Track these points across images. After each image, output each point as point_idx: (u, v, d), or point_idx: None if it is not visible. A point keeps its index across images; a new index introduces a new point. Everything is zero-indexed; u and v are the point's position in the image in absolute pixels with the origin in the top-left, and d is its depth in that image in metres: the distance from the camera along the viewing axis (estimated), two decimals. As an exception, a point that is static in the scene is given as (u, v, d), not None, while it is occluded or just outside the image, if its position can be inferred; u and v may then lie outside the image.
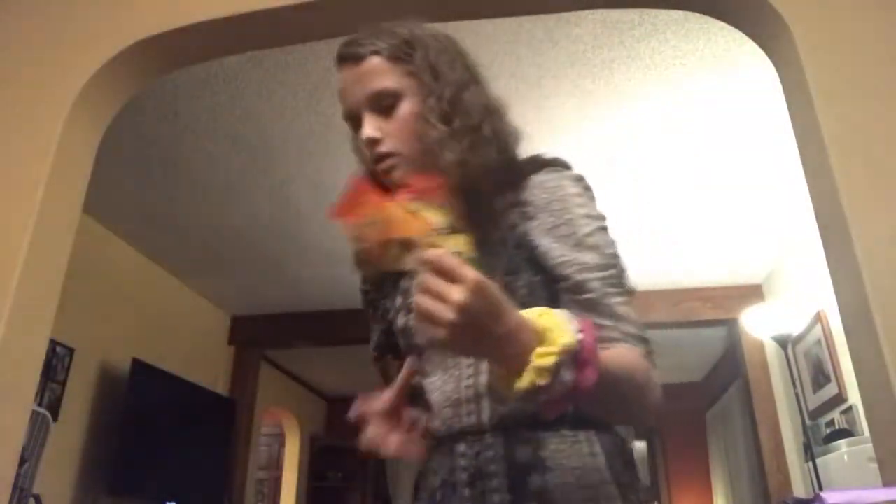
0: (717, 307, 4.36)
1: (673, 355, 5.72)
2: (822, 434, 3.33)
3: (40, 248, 1.68)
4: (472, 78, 0.97)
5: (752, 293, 4.27)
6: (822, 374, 3.41)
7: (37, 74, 1.87)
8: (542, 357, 0.62)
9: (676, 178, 3.19)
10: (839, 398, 3.21)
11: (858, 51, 1.47)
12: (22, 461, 2.17)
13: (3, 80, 1.88)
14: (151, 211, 3.53)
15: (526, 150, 1.06)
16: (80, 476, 3.39)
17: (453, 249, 0.69)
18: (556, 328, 0.64)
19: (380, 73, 0.92)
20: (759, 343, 4.21)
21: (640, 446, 6.77)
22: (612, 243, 0.92)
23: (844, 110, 1.42)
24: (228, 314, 4.92)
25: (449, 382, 0.88)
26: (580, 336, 0.64)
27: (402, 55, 0.93)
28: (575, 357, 0.63)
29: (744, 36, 1.73)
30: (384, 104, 0.91)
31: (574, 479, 0.77)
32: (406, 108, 0.91)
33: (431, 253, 0.62)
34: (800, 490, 3.78)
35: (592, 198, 0.95)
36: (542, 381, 0.62)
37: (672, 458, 6.39)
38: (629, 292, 0.88)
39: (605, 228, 0.94)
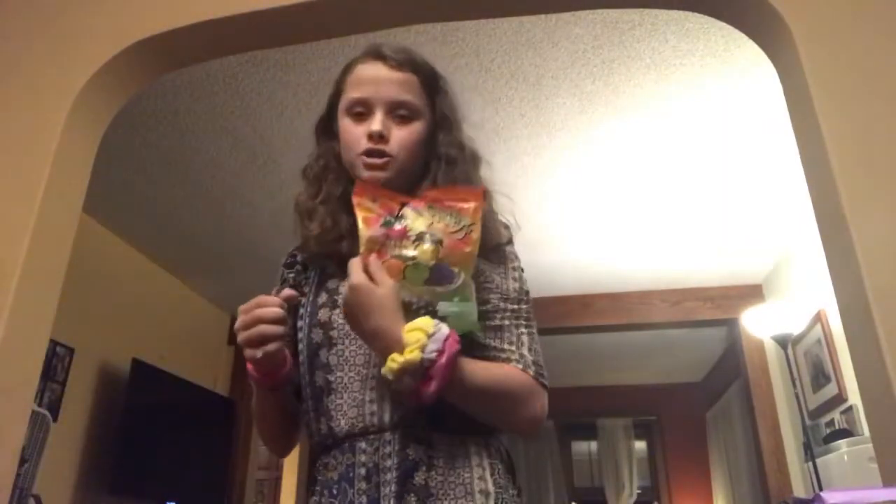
0: (717, 307, 4.36)
1: (673, 355, 5.72)
2: (822, 434, 3.33)
3: (40, 248, 1.68)
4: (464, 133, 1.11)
5: (752, 293, 4.27)
6: (822, 374, 3.41)
7: (37, 74, 1.87)
8: (391, 362, 0.82)
9: (676, 178, 3.19)
10: (839, 398, 3.21)
11: (858, 51, 1.47)
12: (22, 461, 2.17)
13: (3, 80, 1.88)
14: (151, 211, 3.53)
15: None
16: (80, 476, 3.39)
17: (411, 255, 0.87)
18: (412, 344, 0.81)
19: (412, 88, 1.03)
20: (759, 343, 4.21)
21: (640, 446, 6.78)
22: (526, 285, 1.07)
23: (844, 110, 1.42)
24: (228, 314, 4.91)
25: (355, 381, 0.95)
26: (432, 355, 0.81)
27: (432, 87, 1.07)
28: (424, 369, 0.81)
29: (744, 36, 1.73)
30: (402, 114, 1.02)
31: (454, 477, 0.89)
32: (419, 127, 1.03)
33: (364, 256, 0.89)
34: (800, 490, 3.78)
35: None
36: (390, 377, 0.82)
37: (672, 458, 6.39)
38: (533, 327, 1.02)
39: (523, 270, 1.09)
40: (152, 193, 3.36)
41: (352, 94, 1.04)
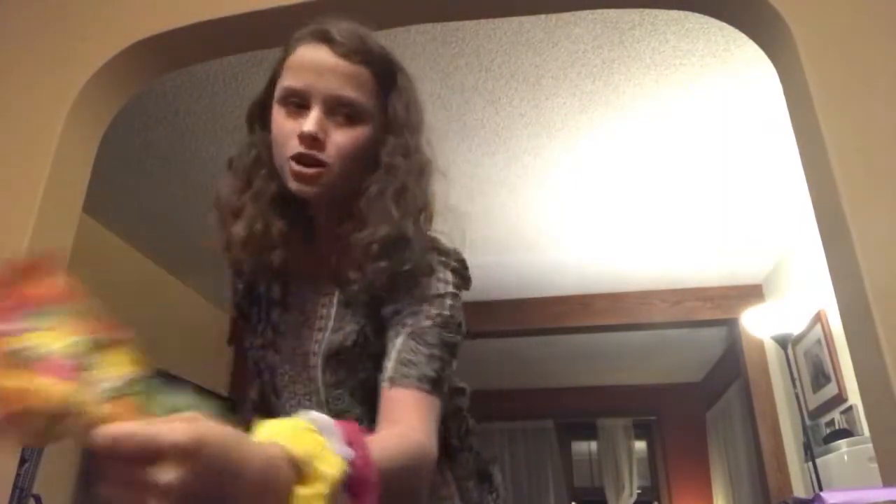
0: (717, 307, 4.36)
1: (673, 355, 5.72)
2: (822, 434, 3.33)
3: (40, 248, 1.68)
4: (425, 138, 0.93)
5: (752, 293, 4.27)
6: (822, 374, 3.41)
7: (37, 75, 1.87)
8: (308, 500, 0.47)
9: (676, 178, 3.19)
10: (839, 398, 3.21)
11: (858, 51, 1.47)
12: (22, 461, 2.17)
13: (3, 80, 1.88)
14: (151, 211, 3.53)
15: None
16: (80, 476, 3.39)
17: (116, 375, 0.53)
18: (320, 455, 0.50)
19: (362, 83, 0.85)
20: (759, 343, 4.21)
21: (640, 446, 6.78)
22: (455, 307, 0.86)
23: (844, 110, 1.42)
24: (228, 314, 4.91)
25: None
26: (350, 456, 0.52)
27: (386, 82, 0.89)
28: (348, 483, 0.51)
29: (744, 36, 1.73)
30: (345, 113, 0.84)
31: None
32: (363, 132, 0.84)
33: (104, 433, 0.41)
34: (800, 490, 3.78)
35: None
36: None
37: (672, 458, 6.39)
38: (455, 340, 0.83)
39: (454, 295, 0.87)
40: (152, 193, 3.36)
41: (287, 81, 0.85)
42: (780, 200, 3.35)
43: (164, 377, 3.81)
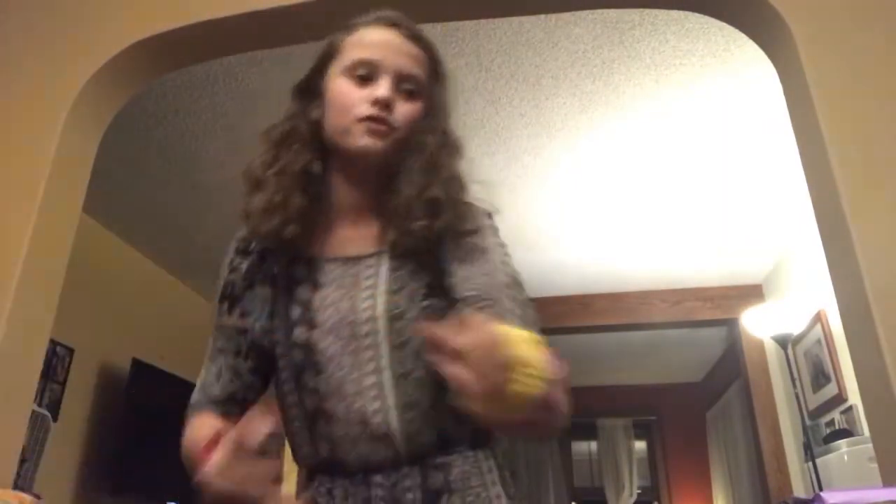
0: (717, 307, 4.36)
1: (673, 355, 5.72)
2: (822, 434, 3.33)
3: (40, 248, 1.68)
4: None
5: (752, 293, 4.27)
6: (822, 374, 3.41)
7: (37, 75, 1.87)
8: (528, 378, 0.62)
9: (676, 178, 3.19)
10: (839, 398, 3.21)
11: (858, 51, 1.47)
12: (22, 461, 2.17)
13: (4, 80, 1.88)
14: (151, 211, 3.53)
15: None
16: (80, 476, 3.39)
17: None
18: (535, 359, 0.64)
19: (422, 65, 0.95)
20: (759, 343, 4.21)
21: (640, 446, 6.78)
22: (514, 268, 0.94)
23: (844, 110, 1.42)
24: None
25: (354, 413, 0.84)
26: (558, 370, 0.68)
27: (435, 69, 0.99)
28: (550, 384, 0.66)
29: (744, 36, 1.73)
30: (407, 89, 0.92)
31: (474, 497, 0.83)
32: (420, 107, 0.93)
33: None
34: (800, 490, 3.78)
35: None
36: (534, 394, 0.63)
37: (672, 458, 6.39)
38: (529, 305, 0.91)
39: (509, 255, 0.96)
40: (152, 193, 3.36)
41: (357, 54, 0.92)
42: (780, 200, 3.35)
43: (163, 377, 3.81)
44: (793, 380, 3.42)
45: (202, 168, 3.14)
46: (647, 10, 2.22)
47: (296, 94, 1.04)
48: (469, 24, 2.29)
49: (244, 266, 1.01)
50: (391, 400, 0.83)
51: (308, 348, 0.88)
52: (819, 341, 3.39)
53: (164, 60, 1.94)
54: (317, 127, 0.96)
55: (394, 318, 0.86)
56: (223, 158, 3.06)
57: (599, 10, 2.22)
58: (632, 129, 2.84)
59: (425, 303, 0.87)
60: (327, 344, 0.87)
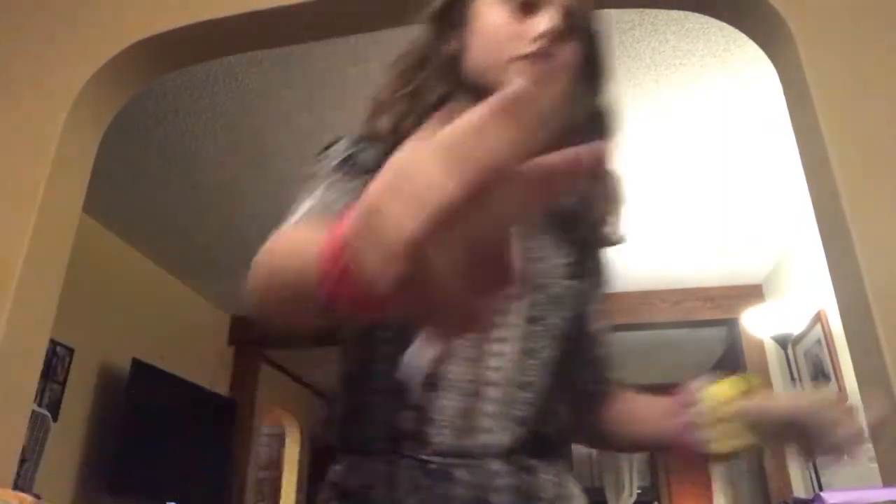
0: (717, 307, 4.36)
1: (673, 355, 5.71)
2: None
3: (40, 248, 1.68)
4: None
5: (752, 293, 4.27)
6: (822, 374, 3.41)
7: (37, 74, 1.87)
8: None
9: (676, 178, 3.19)
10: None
11: (858, 51, 1.47)
12: (22, 461, 2.17)
13: (4, 80, 1.88)
14: (151, 211, 3.53)
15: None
16: (80, 476, 3.39)
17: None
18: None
19: (590, 6, 0.84)
20: (759, 343, 4.21)
21: (640, 446, 6.77)
22: None
23: (844, 110, 1.42)
24: (228, 314, 4.91)
25: (465, 381, 0.70)
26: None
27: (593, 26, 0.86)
28: None
29: (744, 36, 1.73)
30: (574, 29, 0.78)
31: None
32: (581, 58, 0.79)
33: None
34: (800, 490, 3.78)
35: None
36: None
37: (672, 457, 6.39)
38: None
39: None
40: (152, 193, 3.36)
41: None
42: (780, 200, 3.35)
43: (163, 377, 3.81)
44: (793, 380, 3.41)
45: (202, 168, 3.14)
46: (647, 10, 2.22)
47: (432, 20, 0.86)
48: (469, 24, 2.29)
49: (370, 157, 0.79)
50: (512, 373, 0.70)
51: None
52: (819, 341, 3.39)
53: (164, 60, 1.94)
54: (454, 62, 0.79)
55: (537, 288, 0.73)
56: (223, 158, 3.06)
57: (599, 10, 2.21)
58: (632, 128, 2.84)
59: (566, 282, 0.76)
60: None
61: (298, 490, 6.19)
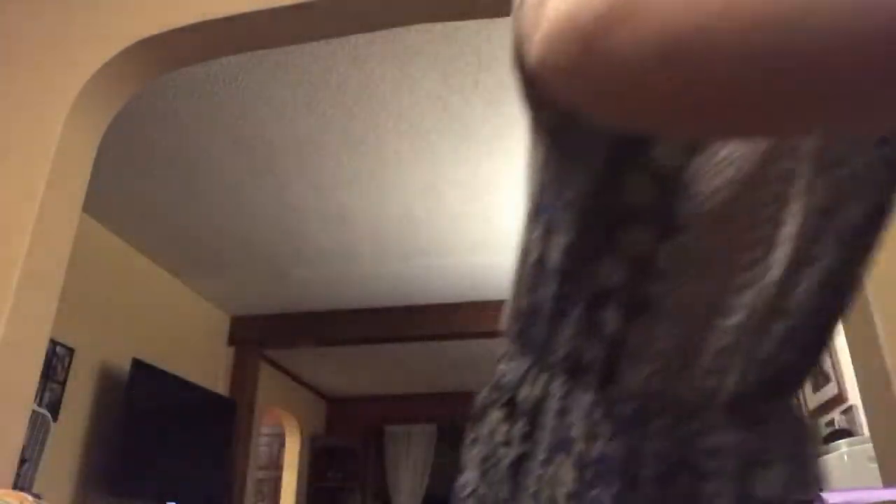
0: (717, 307, 4.36)
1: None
2: (822, 434, 3.33)
3: (40, 248, 1.68)
4: None
5: (752, 293, 4.27)
6: (821, 374, 3.41)
7: (37, 75, 1.87)
8: None
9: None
10: (839, 398, 3.21)
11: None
12: (22, 461, 2.18)
13: (4, 80, 1.88)
14: (152, 211, 3.53)
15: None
16: (80, 476, 3.39)
17: None
18: None
19: None
20: (759, 343, 4.21)
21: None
22: None
23: (844, 110, 1.42)
24: (228, 314, 4.91)
25: (699, 304, 0.48)
26: None
27: None
28: None
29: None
30: None
31: (796, 468, 0.53)
32: None
33: None
34: (800, 490, 3.78)
35: None
36: None
37: (672, 458, 6.39)
38: None
39: None
40: (152, 193, 3.36)
41: None
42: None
43: (163, 377, 3.82)
44: (793, 380, 3.41)
45: (202, 168, 3.14)
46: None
47: None
48: (469, 24, 2.29)
49: None
50: (770, 291, 0.47)
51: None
52: (819, 341, 3.39)
53: (164, 60, 1.94)
54: None
55: (837, 160, 0.46)
56: (223, 159, 3.06)
57: None
58: (632, 129, 2.84)
59: (877, 155, 0.48)
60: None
61: (298, 490, 6.19)
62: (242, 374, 4.86)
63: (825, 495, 0.71)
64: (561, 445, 0.50)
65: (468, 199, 3.32)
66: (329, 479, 6.46)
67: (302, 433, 6.40)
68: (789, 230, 0.47)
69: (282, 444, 6.51)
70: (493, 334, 4.63)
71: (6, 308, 1.58)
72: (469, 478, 0.55)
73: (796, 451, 0.53)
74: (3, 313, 1.57)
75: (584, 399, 0.51)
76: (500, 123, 2.80)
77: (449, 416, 6.67)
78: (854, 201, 0.49)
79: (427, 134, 2.86)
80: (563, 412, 0.51)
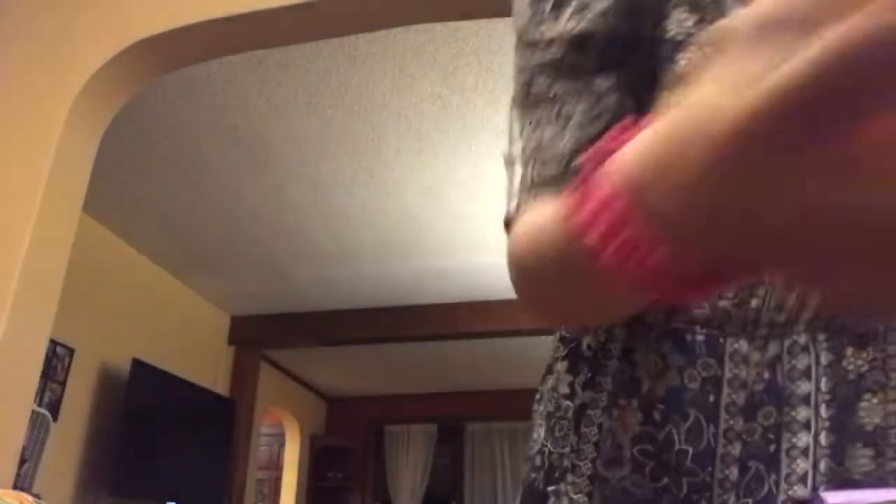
0: (717, 307, 4.36)
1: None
2: (822, 434, 3.33)
3: (40, 248, 1.68)
4: None
5: (752, 293, 4.27)
6: (822, 374, 3.41)
7: (37, 75, 1.87)
8: None
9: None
10: (839, 398, 3.22)
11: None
12: (22, 461, 2.18)
13: (4, 80, 1.88)
14: (152, 211, 3.53)
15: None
16: (80, 476, 3.39)
17: None
18: None
19: None
20: (759, 343, 4.21)
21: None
22: None
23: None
24: (228, 314, 4.91)
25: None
26: None
27: None
28: None
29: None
30: None
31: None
32: None
33: None
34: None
35: None
36: None
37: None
38: None
39: None
40: (152, 193, 3.36)
41: None
42: None
43: (163, 377, 3.82)
44: (793, 380, 3.42)
45: (202, 168, 3.14)
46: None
47: None
48: (469, 24, 2.29)
49: None
50: None
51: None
52: (819, 341, 3.39)
53: (164, 60, 1.94)
54: None
55: None
56: (223, 158, 3.06)
57: None
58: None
59: None
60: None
61: (298, 490, 6.19)
62: (242, 374, 4.85)
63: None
64: (625, 388, 0.47)
65: (468, 199, 3.32)
66: (329, 479, 6.46)
67: (302, 433, 6.40)
68: None
69: (282, 444, 6.51)
70: (494, 333, 4.63)
71: (6, 308, 1.58)
72: (536, 435, 0.52)
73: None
74: (3, 313, 1.57)
75: (650, 334, 0.47)
76: (499, 123, 2.80)
77: (449, 416, 6.68)
78: None
79: (427, 134, 2.86)
80: (627, 352, 0.47)
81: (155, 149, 3.01)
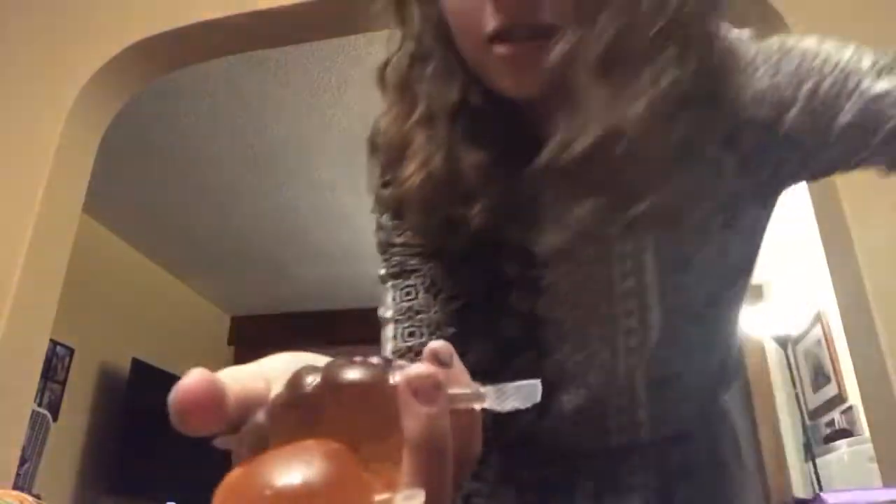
0: (717, 307, 4.35)
1: (673, 355, 5.72)
2: (822, 434, 3.33)
3: (40, 248, 1.68)
4: None
5: (752, 293, 4.24)
6: (822, 374, 3.41)
7: (37, 75, 1.87)
8: None
9: (676, 179, 3.19)
10: (839, 398, 3.21)
11: (858, 51, 1.47)
12: (22, 461, 2.18)
13: (4, 80, 1.88)
14: (151, 211, 3.53)
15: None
16: (80, 476, 3.39)
17: None
18: None
19: None
20: (759, 343, 4.21)
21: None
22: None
23: (844, 110, 1.42)
24: (228, 314, 4.91)
25: (593, 376, 0.57)
26: None
27: None
28: None
29: (744, 36, 1.73)
30: None
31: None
32: None
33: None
34: (800, 490, 3.78)
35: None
36: None
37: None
38: None
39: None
40: (152, 193, 3.36)
41: None
42: (779, 200, 3.34)
43: (163, 377, 3.82)
44: (793, 380, 3.42)
45: (202, 168, 3.14)
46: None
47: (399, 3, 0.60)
48: (469, 25, 2.29)
49: (398, 248, 0.65)
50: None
51: (537, 324, 0.59)
52: (819, 341, 3.39)
53: (164, 60, 1.94)
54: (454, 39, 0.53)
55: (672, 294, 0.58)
56: (223, 158, 3.06)
57: None
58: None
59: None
60: (568, 318, 0.59)
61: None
62: (242, 374, 4.85)
63: (825, 495, 0.71)
64: None
65: (468, 199, 3.33)
66: (329, 479, 6.46)
67: (302, 433, 6.40)
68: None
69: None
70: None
71: (6, 308, 1.58)
72: None
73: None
74: (3, 313, 1.57)
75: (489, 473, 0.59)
76: (500, 123, 2.80)
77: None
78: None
79: (427, 134, 2.85)
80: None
81: (155, 149, 3.01)
